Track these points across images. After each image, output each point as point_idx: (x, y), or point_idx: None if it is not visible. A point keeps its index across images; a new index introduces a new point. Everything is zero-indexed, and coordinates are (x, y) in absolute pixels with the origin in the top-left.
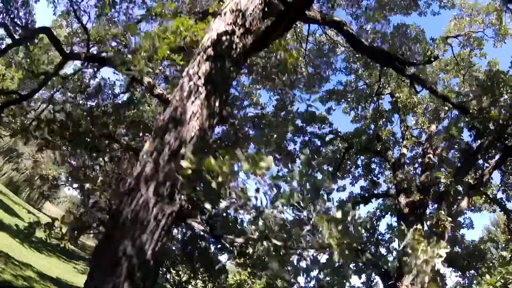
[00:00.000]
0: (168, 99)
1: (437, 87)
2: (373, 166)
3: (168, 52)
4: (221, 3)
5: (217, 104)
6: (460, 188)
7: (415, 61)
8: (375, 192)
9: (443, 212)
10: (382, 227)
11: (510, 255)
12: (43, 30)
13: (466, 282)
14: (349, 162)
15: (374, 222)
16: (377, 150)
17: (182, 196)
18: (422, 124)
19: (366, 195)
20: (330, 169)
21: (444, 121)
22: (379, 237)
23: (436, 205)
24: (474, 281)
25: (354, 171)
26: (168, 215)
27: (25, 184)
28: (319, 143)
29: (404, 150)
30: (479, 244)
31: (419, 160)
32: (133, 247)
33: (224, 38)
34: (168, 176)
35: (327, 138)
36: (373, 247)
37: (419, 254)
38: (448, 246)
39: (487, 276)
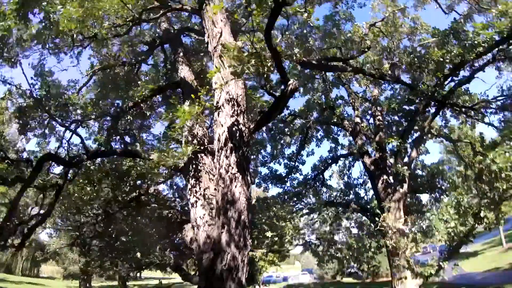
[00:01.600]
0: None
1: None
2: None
3: None
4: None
5: (248, 178)
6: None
7: (353, 53)
8: (341, 153)
9: (399, 165)
10: (354, 173)
11: (460, 179)
12: None
13: (433, 201)
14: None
15: (347, 170)
16: (335, 121)
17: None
18: (365, 86)
19: (334, 156)
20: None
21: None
22: (355, 181)
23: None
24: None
25: (316, 134)
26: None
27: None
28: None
29: (358, 120)
30: (438, 165)
31: (371, 120)
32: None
33: (234, 129)
34: (239, 237)
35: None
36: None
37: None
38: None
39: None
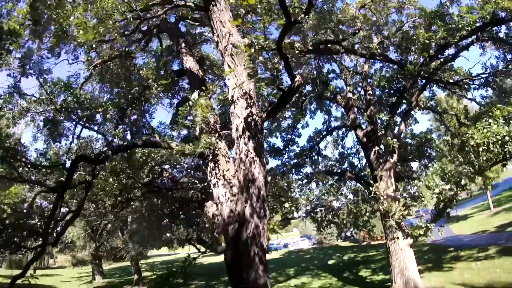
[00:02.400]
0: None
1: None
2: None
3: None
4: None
5: (264, 160)
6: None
7: (346, 36)
8: (335, 126)
9: (389, 138)
10: (348, 143)
11: (446, 147)
12: None
13: (423, 167)
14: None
15: (340, 141)
16: (328, 96)
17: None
18: (355, 60)
19: (328, 128)
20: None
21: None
22: (349, 151)
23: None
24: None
25: (310, 107)
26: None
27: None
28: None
29: (350, 95)
30: (426, 134)
31: (362, 92)
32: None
33: (249, 119)
34: (260, 209)
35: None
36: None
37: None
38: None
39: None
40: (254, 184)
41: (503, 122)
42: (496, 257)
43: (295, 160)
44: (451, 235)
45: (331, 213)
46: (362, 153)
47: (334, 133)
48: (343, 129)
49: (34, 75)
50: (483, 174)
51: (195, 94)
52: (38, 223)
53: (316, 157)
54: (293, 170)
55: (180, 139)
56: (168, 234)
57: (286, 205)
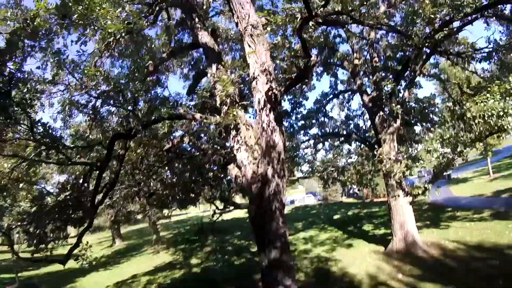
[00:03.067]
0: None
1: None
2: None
3: None
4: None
5: (283, 129)
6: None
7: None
8: (341, 90)
9: (393, 104)
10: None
11: (448, 113)
12: None
13: (425, 130)
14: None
15: (346, 102)
16: (335, 62)
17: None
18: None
19: (335, 92)
20: None
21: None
22: (354, 113)
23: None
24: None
25: (316, 69)
26: (285, 185)
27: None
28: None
29: (356, 61)
30: (429, 98)
31: (368, 58)
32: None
33: (269, 93)
34: (280, 170)
35: None
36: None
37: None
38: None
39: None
40: (275, 150)
41: (500, 98)
42: (489, 220)
43: (302, 122)
44: (450, 196)
45: (336, 171)
46: (367, 115)
47: (340, 96)
48: (349, 93)
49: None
50: (482, 141)
51: (213, 69)
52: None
53: (322, 118)
54: (301, 132)
55: (194, 108)
56: (192, 195)
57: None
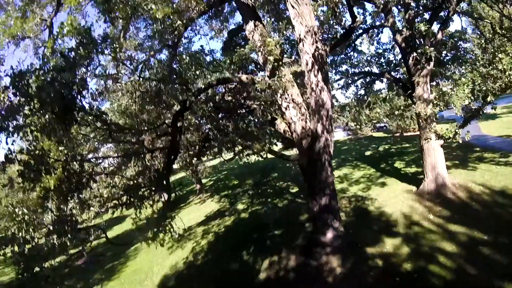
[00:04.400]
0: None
1: None
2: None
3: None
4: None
5: (330, 87)
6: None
7: None
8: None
9: (427, 47)
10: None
11: (480, 51)
12: None
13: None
14: None
15: (375, 35)
16: None
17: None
18: None
19: (365, 26)
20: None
21: None
22: (383, 46)
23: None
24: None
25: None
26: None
27: None
28: None
29: None
30: (461, 33)
31: None
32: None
33: (316, 54)
34: (329, 126)
35: None
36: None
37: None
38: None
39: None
40: (323, 108)
41: None
42: None
43: (331, 57)
44: (479, 134)
45: (368, 107)
46: (397, 49)
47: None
48: (380, 29)
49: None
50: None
51: (250, 25)
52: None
53: (351, 52)
54: (331, 69)
55: (234, 66)
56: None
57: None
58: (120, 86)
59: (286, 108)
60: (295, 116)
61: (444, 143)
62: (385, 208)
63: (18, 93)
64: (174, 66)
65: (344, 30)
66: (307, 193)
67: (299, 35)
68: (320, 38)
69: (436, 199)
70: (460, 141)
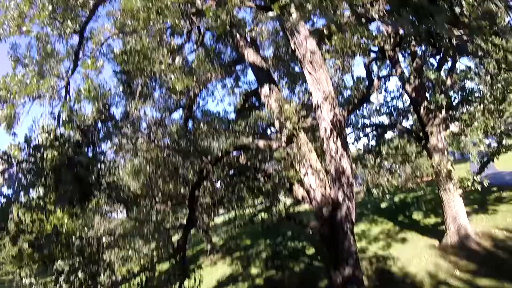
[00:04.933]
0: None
1: None
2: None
3: None
4: None
5: (349, 152)
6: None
7: None
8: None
9: (437, 95)
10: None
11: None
12: None
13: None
14: None
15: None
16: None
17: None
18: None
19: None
20: None
21: None
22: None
23: None
24: None
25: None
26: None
27: None
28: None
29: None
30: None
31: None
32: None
33: (334, 120)
34: (350, 193)
35: None
36: None
37: None
38: None
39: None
40: (344, 175)
41: None
42: None
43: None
44: (493, 172)
45: (379, 157)
46: (405, 96)
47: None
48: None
49: None
50: None
51: (265, 90)
52: None
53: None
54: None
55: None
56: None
57: None
58: (134, 147)
59: (304, 175)
60: (314, 183)
61: (463, 192)
62: (408, 268)
63: (32, 171)
64: (189, 126)
65: (362, 96)
66: (328, 263)
67: (317, 101)
68: (337, 103)
69: (460, 252)
70: (480, 189)
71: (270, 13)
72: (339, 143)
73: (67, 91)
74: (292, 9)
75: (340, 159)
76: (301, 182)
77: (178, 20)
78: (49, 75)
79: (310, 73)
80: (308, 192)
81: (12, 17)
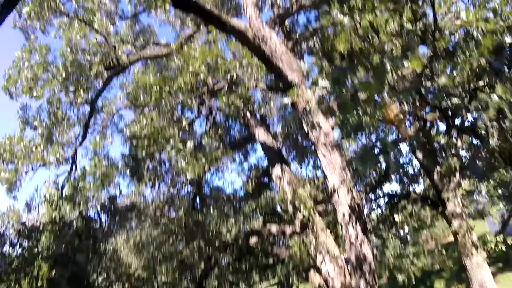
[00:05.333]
0: None
1: None
2: None
3: None
4: None
5: (370, 237)
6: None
7: None
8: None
9: (449, 159)
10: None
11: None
12: None
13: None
14: None
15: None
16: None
17: None
18: None
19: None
20: None
21: None
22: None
23: None
24: None
25: None
26: None
27: None
28: None
29: (401, 116)
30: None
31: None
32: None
33: (352, 203)
34: (372, 281)
35: None
36: None
37: None
38: None
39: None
40: (365, 262)
41: None
42: None
43: None
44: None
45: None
46: (415, 161)
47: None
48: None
49: None
50: None
51: (277, 170)
52: None
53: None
54: None
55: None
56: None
57: None
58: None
59: (321, 262)
60: (332, 271)
61: (488, 256)
62: None
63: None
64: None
65: (379, 178)
66: None
67: (333, 185)
68: (354, 185)
69: None
70: (504, 249)
71: (285, 100)
72: (358, 228)
73: (74, 162)
74: (311, 98)
75: (360, 246)
76: (317, 269)
77: (189, 99)
78: (57, 141)
79: (324, 155)
80: (326, 280)
81: (25, 77)
